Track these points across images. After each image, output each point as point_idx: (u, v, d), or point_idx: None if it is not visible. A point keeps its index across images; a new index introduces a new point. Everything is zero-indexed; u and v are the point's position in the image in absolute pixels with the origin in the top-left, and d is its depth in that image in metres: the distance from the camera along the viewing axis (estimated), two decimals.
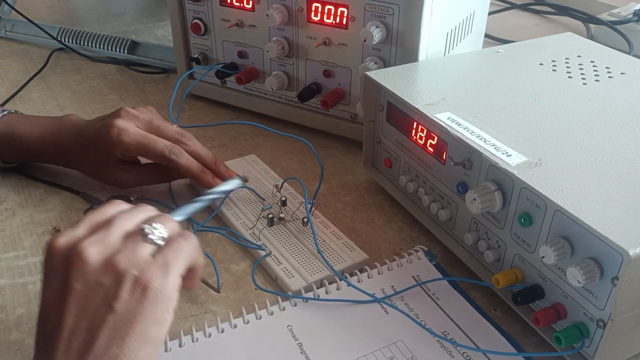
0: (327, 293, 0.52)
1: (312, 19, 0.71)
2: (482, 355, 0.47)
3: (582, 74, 0.64)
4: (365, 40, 0.66)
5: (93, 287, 0.38)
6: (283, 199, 0.62)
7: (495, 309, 0.52)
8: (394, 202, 0.65)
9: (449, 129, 0.52)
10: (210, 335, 0.48)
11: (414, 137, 0.59)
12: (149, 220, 0.42)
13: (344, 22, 0.69)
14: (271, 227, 0.60)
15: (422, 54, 0.66)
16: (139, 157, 0.64)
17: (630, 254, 0.38)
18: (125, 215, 0.42)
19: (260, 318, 0.50)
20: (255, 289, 0.54)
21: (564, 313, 0.45)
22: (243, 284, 0.55)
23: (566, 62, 0.67)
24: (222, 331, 0.49)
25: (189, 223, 0.61)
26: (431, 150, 0.57)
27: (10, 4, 1.07)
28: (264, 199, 0.64)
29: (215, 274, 0.55)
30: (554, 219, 0.45)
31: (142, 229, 0.41)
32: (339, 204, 0.66)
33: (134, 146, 0.60)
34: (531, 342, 0.49)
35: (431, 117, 0.54)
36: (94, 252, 0.38)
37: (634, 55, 0.97)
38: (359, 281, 0.54)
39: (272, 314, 0.51)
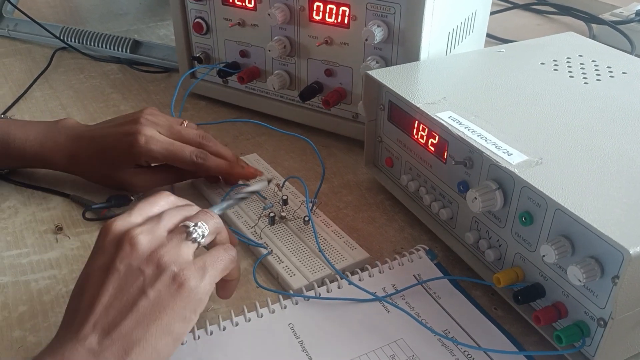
0: (328, 291, 0.53)
1: (313, 18, 0.71)
2: (483, 354, 0.47)
3: (583, 73, 0.64)
4: (366, 40, 0.66)
5: (134, 272, 0.41)
6: (284, 197, 0.62)
7: (496, 308, 0.52)
8: (396, 201, 0.65)
9: (450, 128, 0.52)
10: (211, 333, 0.49)
11: (415, 136, 0.59)
12: (193, 218, 0.45)
13: (346, 21, 0.69)
14: (273, 226, 0.60)
15: (424, 53, 0.67)
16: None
17: (631, 252, 0.38)
18: (173, 211, 0.46)
19: (262, 316, 0.50)
20: (257, 287, 0.54)
21: (565, 312, 0.45)
22: (245, 282, 0.55)
23: (568, 62, 0.67)
24: (224, 329, 0.49)
25: None
26: (432, 149, 0.57)
27: (13, 3, 1.08)
28: (265, 198, 0.64)
29: None
30: (554, 217, 0.45)
31: (187, 227, 0.44)
32: (340, 203, 0.66)
33: (162, 154, 0.61)
34: (532, 341, 0.49)
35: (432, 116, 0.54)
36: (144, 240, 0.42)
37: (636, 55, 0.98)
38: (360, 280, 0.54)
39: (273, 312, 0.51)
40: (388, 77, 0.61)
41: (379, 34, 0.66)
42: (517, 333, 0.50)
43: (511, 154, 0.48)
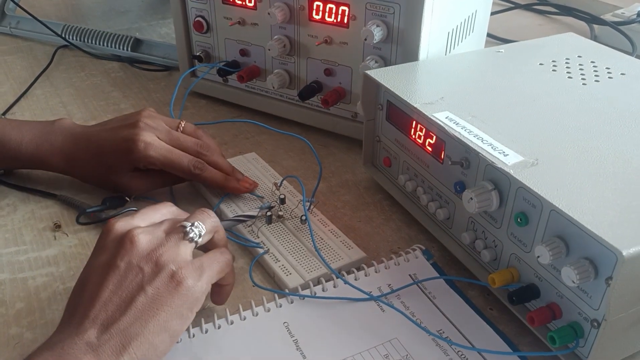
0: (323, 291, 0.53)
1: (313, 17, 0.71)
2: (477, 354, 0.47)
3: (582, 74, 0.64)
4: (366, 39, 0.66)
5: (134, 269, 0.43)
6: (282, 197, 0.62)
7: (492, 308, 0.52)
8: (393, 201, 0.65)
9: (447, 128, 0.52)
10: (206, 332, 0.49)
11: (413, 136, 0.59)
12: (190, 218, 0.47)
13: (345, 20, 0.69)
14: (270, 225, 0.60)
15: (423, 53, 0.67)
16: None
17: (624, 254, 0.38)
18: (174, 220, 0.47)
19: (257, 315, 0.50)
20: (253, 286, 0.54)
21: (559, 313, 0.45)
22: (241, 280, 0.55)
23: (566, 63, 0.67)
24: (219, 327, 0.49)
25: None
26: (430, 149, 0.57)
27: (15, 1, 1.08)
28: (263, 197, 0.64)
29: None
30: (549, 218, 0.45)
31: (184, 226, 0.46)
32: (338, 203, 0.66)
33: (160, 161, 0.61)
34: (526, 341, 0.49)
35: (430, 116, 0.54)
36: (144, 240, 0.44)
37: (637, 56, 0.98)
38: (355, 279, 0.54)
39: (268, 310, 0.51)
40: (386, 77, 0.61)
41: (378, 33, 0.66)
42: (511, 333, 0.50)
43: (507, 154, 0.49)
